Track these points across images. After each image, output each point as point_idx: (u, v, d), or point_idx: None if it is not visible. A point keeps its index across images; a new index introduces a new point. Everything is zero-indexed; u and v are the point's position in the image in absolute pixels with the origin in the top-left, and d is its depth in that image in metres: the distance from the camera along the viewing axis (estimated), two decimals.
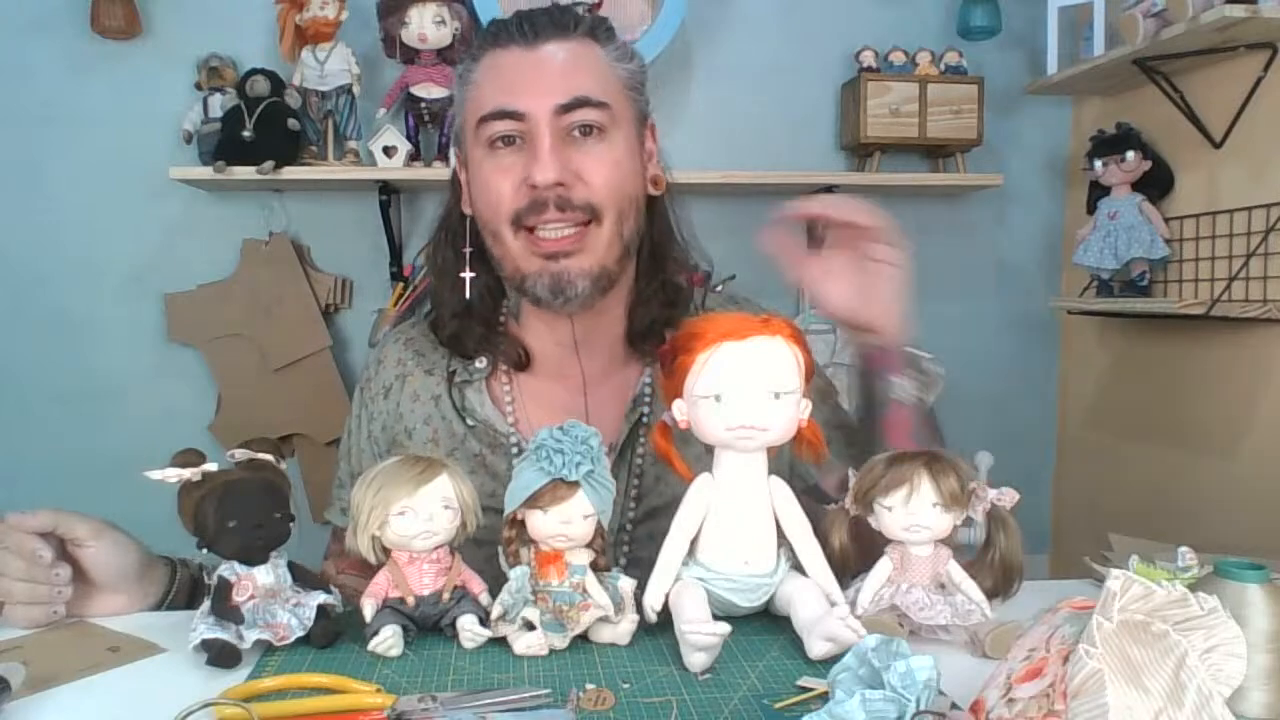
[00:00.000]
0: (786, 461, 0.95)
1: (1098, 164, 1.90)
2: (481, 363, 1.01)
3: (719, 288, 1.10)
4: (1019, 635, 0.56)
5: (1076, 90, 2.13)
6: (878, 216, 0.90)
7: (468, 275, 0.98)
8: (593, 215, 0.91)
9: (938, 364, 0.94)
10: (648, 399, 1.00)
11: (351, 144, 1.97)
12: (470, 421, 0.99)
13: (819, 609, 0.72)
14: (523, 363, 1.01)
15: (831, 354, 2.07)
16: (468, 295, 0.98)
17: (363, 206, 2.06)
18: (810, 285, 0.95)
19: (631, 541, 0.99)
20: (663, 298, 1.00)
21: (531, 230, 0.91)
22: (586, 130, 0.91)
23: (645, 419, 0.99)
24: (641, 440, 0.99)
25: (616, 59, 0.95)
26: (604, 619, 0.73)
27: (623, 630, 0.74)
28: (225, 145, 1.88)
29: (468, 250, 0.98)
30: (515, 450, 0.98)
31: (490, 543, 0.78)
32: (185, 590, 0.87)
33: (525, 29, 0.91)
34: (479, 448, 0.99)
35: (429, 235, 1.06)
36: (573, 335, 0.98)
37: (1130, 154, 1.85)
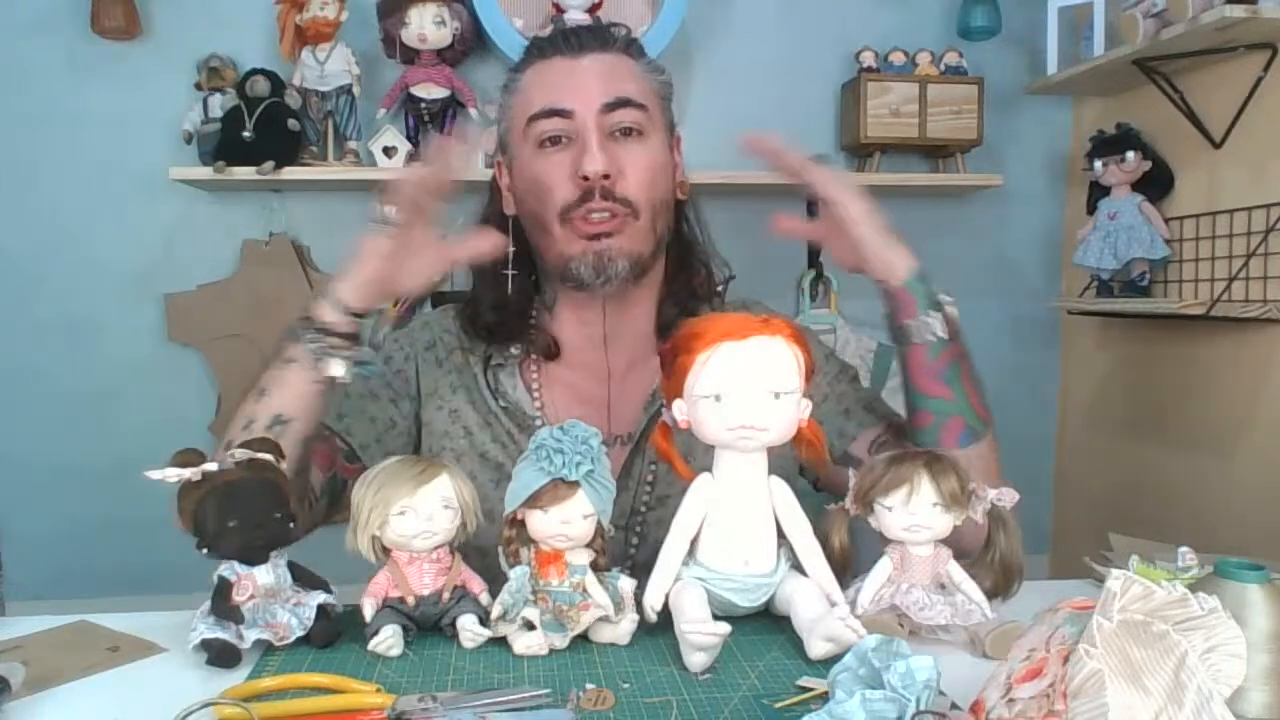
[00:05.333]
0: (792, 460, 0.95)
1: (1097, 164, 1.89)
2: (516, 349, 1.07)
3: (720, 287, 1.11)
4: (1019, 635, 0.56)
5: (1076, 90, 2.13)
6: (827, 181, 0.94)
7: (510, 272, 1.04)
8: (631, 209, 0.98)
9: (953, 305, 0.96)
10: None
11: (351, 144, 1.97)
12: (502, 402, 1.05)
13: (819, 609, 0.72)
14: (552, 352, 1.06)
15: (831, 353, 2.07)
16: (509, 291, 1.04)
17: (363, 207, 2.04)
18: (827, 252, 1.00)
19: (644, 524, 1.02)
20: (689, 292, 1.07)
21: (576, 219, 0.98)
22: (627, 131, 0.99)
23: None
24: None
25: (650, 72, 1.04)
26: (604, 619, 0.74)
27: (623, 630, 0.74)
28: (225, 145, 1.88)
29: (511, 249, 1.03)
30: None
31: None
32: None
33: (570, 41, 1.01)
34: (509, 425, 1.04)
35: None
36: (603, 327, 1.04)
37: (1130, 154, 1.85)
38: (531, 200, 1.01)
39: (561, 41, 1.01)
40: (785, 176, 0.95)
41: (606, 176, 0.96)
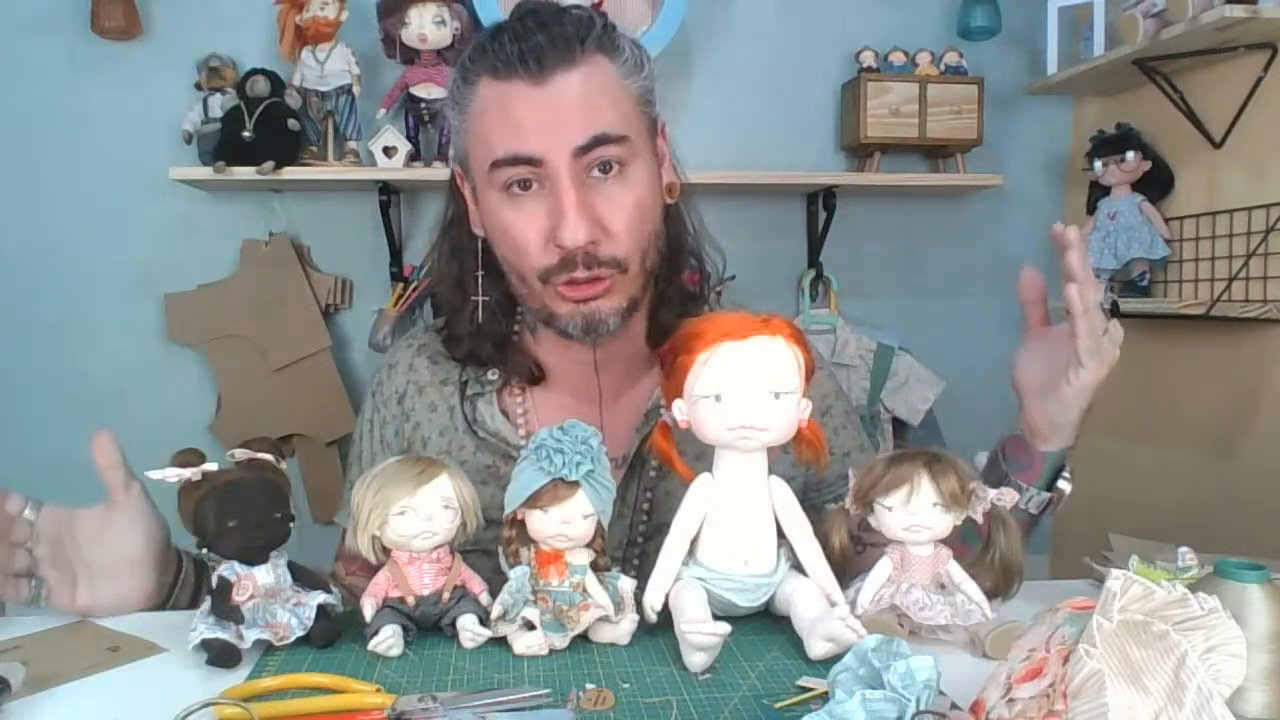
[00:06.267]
0: (799, 486, 0.93)
1: (1097, 164, 1.90)
2: (493, 374, 1.00)
3: (718, 288, 1.09)
4: (1019, 635, 0.56)
5: (1076, 90, 2.13)
6: (1086, 336, 0.89)
7: (480, 299, 0.96)
8: (618, 266, 0.88)
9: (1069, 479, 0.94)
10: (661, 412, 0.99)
11: (351, 144, 1.97)
12: (481, 434, 0.99)
13: (819, 609, 0.72)
14: (536, 378, 1.00)
15: (831, 354, 2.07)
16: (480, 319, 0.97)
17: (363, 206, 2.06)
18: (1023, 349, 0.97)
19: (641, 555, 0.98)
20: (683, 295, 0.99)
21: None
22: (606, 167, 0.86)
23: None
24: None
25: (627, 74, 0.89)
26: (604, 619, 0.73)
27: (623, 630, 0.74)
28: (225, 145, 1.88)
29: (480, 274, 0.95)
30: None
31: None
32: (192, 581, 0.88)
33: (529, 61, 0.83)
34: (491, 459, 0.98)
35: (431, 241, 1.04)
36: (593, 356, 0.97)
37: (1130, 154, 1.85)
38: (507, 249, 0.90)
39: (518, 61, 0.83)
40: (1067, 292, 0.90)
41: (590, 242, 0.85)
